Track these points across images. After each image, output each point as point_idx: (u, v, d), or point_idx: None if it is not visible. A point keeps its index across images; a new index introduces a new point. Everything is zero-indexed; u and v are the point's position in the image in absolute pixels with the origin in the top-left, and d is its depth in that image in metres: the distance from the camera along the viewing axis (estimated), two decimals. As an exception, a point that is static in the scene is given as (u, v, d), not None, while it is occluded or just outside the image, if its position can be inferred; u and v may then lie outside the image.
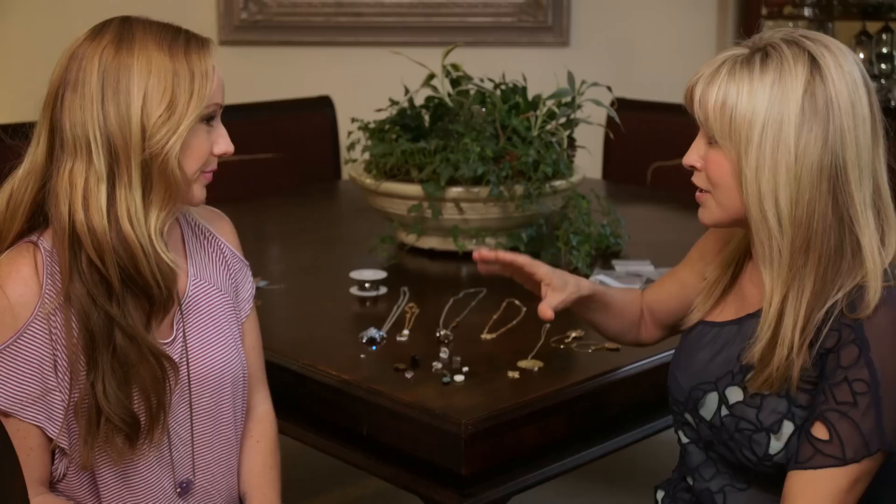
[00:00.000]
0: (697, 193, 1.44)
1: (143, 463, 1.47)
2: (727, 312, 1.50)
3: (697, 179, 1.43)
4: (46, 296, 1.40)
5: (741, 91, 1.33)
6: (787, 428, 1.37)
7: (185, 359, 1.51)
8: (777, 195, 1.32)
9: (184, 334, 1.52)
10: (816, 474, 1.31)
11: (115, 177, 1.39)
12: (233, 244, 1.65)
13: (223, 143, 1.47)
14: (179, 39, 1.42)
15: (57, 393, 1.41)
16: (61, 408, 1.42)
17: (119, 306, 1.40)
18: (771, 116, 1.31)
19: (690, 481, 1.53)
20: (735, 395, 1.42)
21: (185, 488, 1.53)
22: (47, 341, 1.40)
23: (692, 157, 1.42)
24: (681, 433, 1.54)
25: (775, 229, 1.33)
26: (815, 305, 1.34)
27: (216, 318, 1.56)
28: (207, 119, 1.44)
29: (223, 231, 1.65)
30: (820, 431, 1.32)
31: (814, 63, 1.32)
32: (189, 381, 1.51)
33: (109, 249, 1.38)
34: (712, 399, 1.45)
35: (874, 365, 1.30)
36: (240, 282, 1.64)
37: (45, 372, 1.41)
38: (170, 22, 1.46)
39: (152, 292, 1.42)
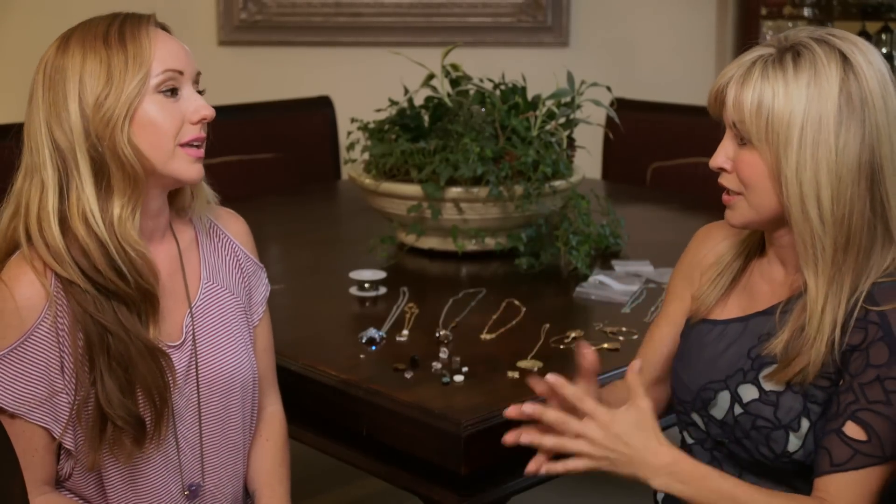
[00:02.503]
0: (725, 196, 1.42)
1: (150, 466, 1.47)
2: (731, 310, 1.49)
3: (727, 181, 1.41)
4: (54, 298, 1.39)
5: (777, 91, 1.33)
6: (805, 425, 1.38)
7: (194, 362, 1.50)
8: (819, 194, 1.32)
9: (193, 337, 1.51)
10: (859, 474, 1.32)
11: (63, 181, 1.38)
12: (248, 247, 1.63)
13: (201, 109, 1.43)
14: (115, 23, 1.41)
15: (64, 395, 1.41)
16: (67, 409, 1.41)
17: (102, 309, 1.39)
18: (810, 116, 1.31)
19: None
20: (749, 392, 1.42)
21: (193, 492, 1.52)
22: (54, 343, 1.40)
23: (720, 158, 1.41)
24: (685, 434, 1.54)
25: (818, 228, 1.33)
26: (849, 299, 1.35)
27: (227, 321, 1.55)
28: (169, 90, 1.41)
29: (238, 233, 1.63)
30: (855, 432, 1.32)
31: (846, 61, 1.33)
32: (198, 385, 1.51)
33: (69, 258, 1.37)
34: (724, 398, 1.44)
35: None
36: (253, 285, 1.63)
37: (53, 374, 1.40)
38: (117, 11, 1.45)
39: (124, 289, 1.39)
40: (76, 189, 1.38)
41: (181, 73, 1.42)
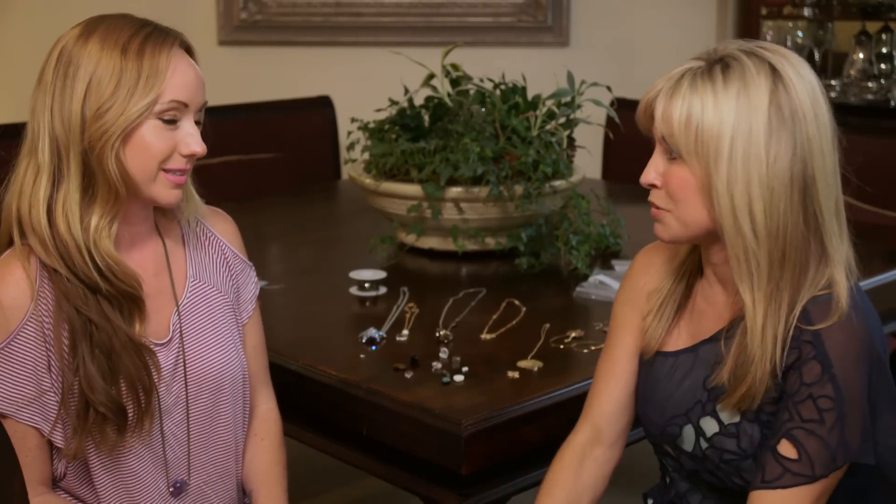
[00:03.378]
0: (654, 210, 1.40)
1: (137, 462, 1.48)
2: (682, 339, 1.47)
3: (656, 198, 1.39)
4: (39, 297, 1.40)
5: (706, 104, 1.30)
6: None
7: (181, 360, 1.51)
8: (751, 207, 1.29)
9: (181, 335, 1.51)
10: (786, 493, 1.30)
11: (57, 172, 1.40)
12: (235, 245, 1.64)
13: (192, 144, 1.43)
14: (140, 33, 1.40)
15: (52, 394, 1.42)
16: (56, 407, 1.42)
17: (86, 302, 1.40)
18: (740, 128, 1.29)
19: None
20: (710, 426, 1.40)
21: (178, 488, 1.53)
22: (41, 343, 1.40)
23: (650, 174, 1.38)
24: (663, 461, 1.53)
25: (751, 242, 1.30)
26: (788, 316, 1.32)
27: (214, 319, 1.56)
28: (168, 119, 1.41)
29: (226, 232, 1.64)
30: (787, 450, 1.31)
31: (775, 73, 1.30)
32: (186, 383, 1.51)
33: (54, 249, 1.38)
34: (689, 432, 1.43)
35: (837, 380, 1.29)
36: (241, 283, 1.63)
37: (40, 373, 1.41)
38: (149, 19, 1.44)
39: (105, 287, 1.41)
40: (65, 185, 1.40)
41: (187, 105, 1.42)
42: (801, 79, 1.31)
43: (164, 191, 1.44)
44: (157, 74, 1.39)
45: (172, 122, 1.42)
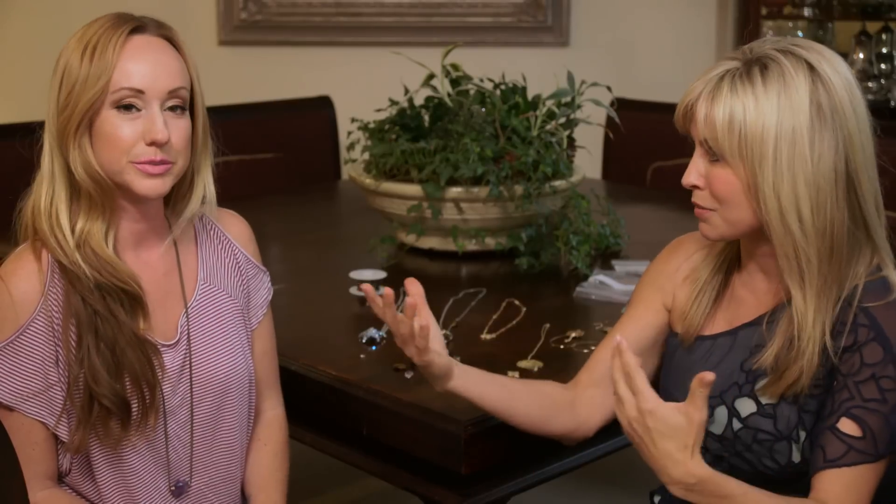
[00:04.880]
0: (697, 210, 1.41)
1: (139, 460, 1.48)
2: (718, 324, 1.49)
3: (699, 198, 1.40)
4: (49, 292, 1.41)
5: (747, 106, 1.32)
6: (803, 435, 1.38)
7: (188, 362, 1.50)
8: (799, 207, 1.31)
9: (188, 337, 1.51)
10: (852, 472, 1.32)
11: (51, 173, 1.42)
12: (249, 249, 1.63)
13: (152, 132, 1.39)
14: (101, 28, 1.41)
15: (58, 387, 1.42)
16: (62, 401, 1.43)
17: (94, 297, 1.41)
18: (783, 129, 1.31)
19: None
20: (747, 406, 1.41)
21: (179, 489, 1.53)
22: (49, 337, 1.41)
23: (692, 176, 1.39)
24: None
25: (801, 240, 1.32)
26: (836, 306, 1.35)
27: (223, 323, 1.55)
28: (124, 106, 1.39)
29: (241, 236, 1.63)
30: (850, 428, 1.32)
31: (813, 71, 1.32)
32: (191, 385, 1.51)
33: (56, 244, 1.41)
34: (721, 413, 1.44)
35: None
36: (253, 288, 1.62)
37: (48, 367, 1.41)
38: (132, 13, 1.45)
39: (100, 283, 1.41)
40: (55, 186, 1.43)
41: (142, 91, 1.40)
42: (838, 74, 1.34)
43: (136, 180, 1.41)
44: (104, 63, 1.38)
45: (129, 110, 1.40)
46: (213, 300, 1.55)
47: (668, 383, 1.54)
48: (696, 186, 1.40)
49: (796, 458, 1.38)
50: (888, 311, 1.33)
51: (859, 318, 1.34)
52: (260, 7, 3.96)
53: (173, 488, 1.52)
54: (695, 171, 1.39)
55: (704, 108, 1.34)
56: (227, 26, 3.94)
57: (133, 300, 1.44)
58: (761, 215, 1.34)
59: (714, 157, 1.36)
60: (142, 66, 1.40)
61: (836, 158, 1.31)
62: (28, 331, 1.40)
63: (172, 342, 1.49)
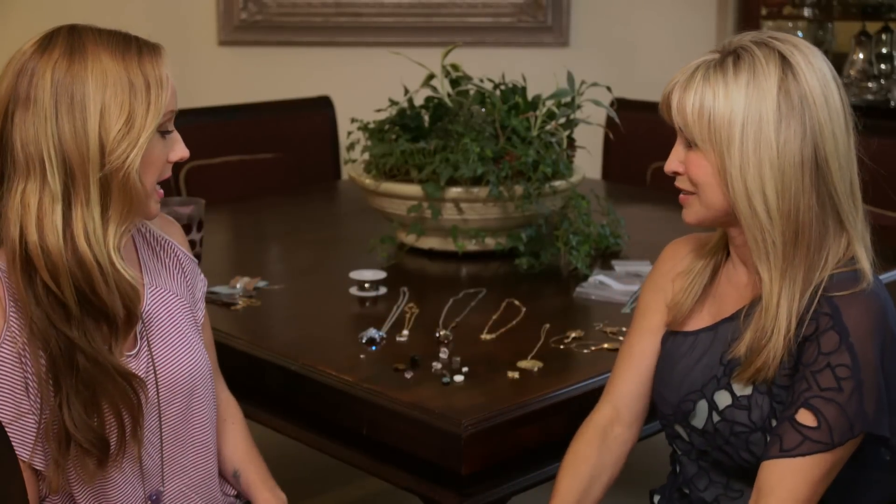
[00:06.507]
0: (681, 196, 1.46)
1: (118, 476, 1.46)
2: (701, 319, 1.51)
3: (681, 183, 1.45)
4: (11, 319, 1.37)
5: (717, 94, 1.36)
6: (775, 425, 1.39)
7: (151, 369, 1.49)
8: (764, 189, 1.35)
9: (148, 345, 1.49)
10: (803, 461, 1.33)
11: (70, 195, 1.35)
12: (185, 246, 1.64)
13: (179, 149, 1.44)
14: (132, 48, 1.39)
15: (30, 416, 1.39)
16: (34, 430, 1.39)
17: (78, 329, 1.37)
18: (749, 115, 1.35)
19: (686, 491, 1.53)
20: (723, 399, 1.43)
21: (155, 500, 1.52)
22: (17, 365, 1.37)
23: (673, 163, 1.45)
24: (674, 445, 1.55)
25: (766, 222, 1.36)
26: (804, 292, 1.37)
27: (178, 324, 1.54)
28: (165, 130, 1.42)
29: (175, 234, 1.63)
30: (806, 418, 1.33)
31: (784, 61, 1.36)
32: (157, 391, 1.49)
33: (65, 271, 1.34)
34: (702, 407, 1.46)
35: (854, 349, 1.33)
36: (194, 284, 1.63)
37: (18, 396, 1.38)
38: (117, 29, 1.42)
39: (111, 313, 1.39)
40: (81, 207, 1.36)
41: (174, 112, 1.43)
42: (811, 66, 1.37)
43: (153, 206, 1.45)
44: (160, 89, 1.38)
45: (167, 133, 1.43)
46: (163, 303, 1.54)
47: (655, 379, 1.56)
48: (676, 172, 1.45)
49: None
50: (851, 300, 1.35)
51: (822, 308, 1.36)
52: (260, 7, 3.96)
53: (149, 500, 1.51)
54: (675, 158, 1.45)
55: (678, 96, 1.40)
56: (227, 26, 3.94)
57: (128, 322, 1.42)
58: (730, 198, 1.38)
59: (689, 143, 1.41)
60: (172, 88, 1.42)
61: (803, 145, 1.34)
62: None
63: (134, 352, 1.48)
